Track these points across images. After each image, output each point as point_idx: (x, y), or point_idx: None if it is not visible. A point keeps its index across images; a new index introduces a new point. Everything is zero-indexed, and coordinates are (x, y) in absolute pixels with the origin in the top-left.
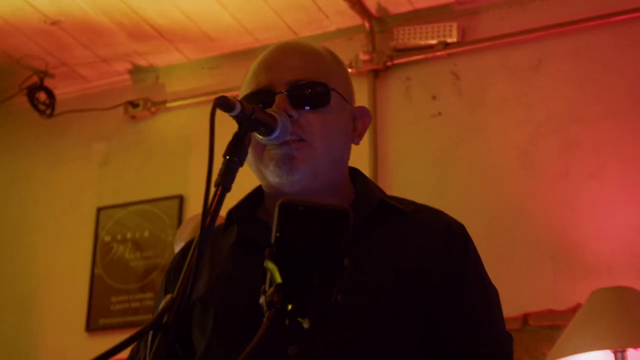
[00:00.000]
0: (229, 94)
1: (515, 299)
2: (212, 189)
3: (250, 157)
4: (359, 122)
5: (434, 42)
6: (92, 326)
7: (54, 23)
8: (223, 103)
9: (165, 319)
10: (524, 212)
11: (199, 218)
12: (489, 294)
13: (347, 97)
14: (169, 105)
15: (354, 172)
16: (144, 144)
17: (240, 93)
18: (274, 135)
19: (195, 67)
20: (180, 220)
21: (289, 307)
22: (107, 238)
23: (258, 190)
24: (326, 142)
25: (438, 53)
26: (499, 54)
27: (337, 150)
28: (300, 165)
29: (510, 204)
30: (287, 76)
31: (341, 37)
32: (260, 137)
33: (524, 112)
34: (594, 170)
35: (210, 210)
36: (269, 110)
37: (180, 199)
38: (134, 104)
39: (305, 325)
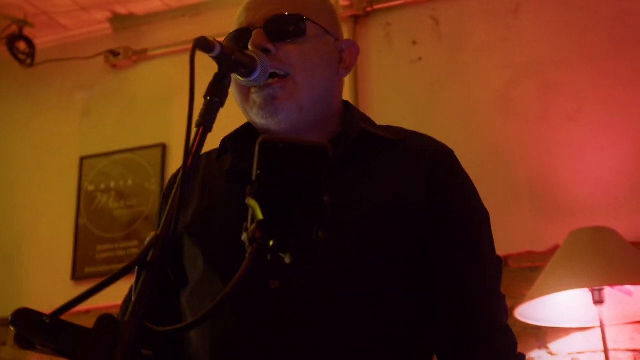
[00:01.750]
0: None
1: (495, 241)
2: (194, 130)
3: (237, 98)
4: (346, 54)
5: None
6: (78, 275)
7: None
8: (202, 44)
9: (150, 257)
10: (503, 155)
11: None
12: (475, 217)
13: (329, 28)
14: (150, 53)
15: (346, 105)
16: (125, 93)
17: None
18: (253, 77)
19: (176, 15)
20: (163, 169)
21: (271, 242)
22: (91, 187)
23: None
24: (307, 74)
25: None
26: None
27: (320, 82)
28: (283, 104)
29: (490, 147)
30: (263, 13)
31: None
32: (240, 78)
33: (503, 57)
34: (572, 113)
35: (192, 150)
36: (248, 52)
37: (163, 148)
38: (114, 53)
39: (287, 260)
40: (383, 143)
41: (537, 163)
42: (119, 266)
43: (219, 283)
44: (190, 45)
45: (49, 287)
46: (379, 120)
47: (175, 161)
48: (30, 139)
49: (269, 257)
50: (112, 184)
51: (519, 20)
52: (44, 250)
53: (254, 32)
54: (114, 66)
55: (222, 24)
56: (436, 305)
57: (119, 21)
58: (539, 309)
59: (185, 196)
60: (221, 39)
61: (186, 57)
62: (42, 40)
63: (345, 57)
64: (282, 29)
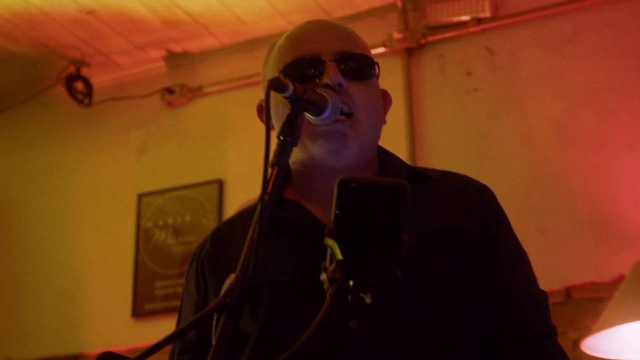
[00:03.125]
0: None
1: (558, 272)
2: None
3: None
4: (387, 101)
5: (466, 18)
6: (138, 312)
7: (89, 12)
8: (276, 84)
9: (228, 299)
10: (563, 185)
11: (249, 205)
12: (522, 253)
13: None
14: (204, 90)
15: (378, 148)
16: (181, 129)
17: (267, 70)
18: (324, 115)
19: (229, 52)
20: (220, 204)
21: (351, 282)
22: (149, 224)
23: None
24: (370, 117)
25: (471, 29)
26: (532, 27)
27: (377, 125)
28: (350, 142)
29: (549, 177)
30: (332, 47)
31: (374, 16)
32: (310, 117)
33: (559, 85)
34: (632, 140)
35: (267, 189)
36: (318, 91)
37: (220, 183)
38: (170, 91)
39: (367, 300)
40: (427, 180)
41: (598, 192)
42: (177, 303)
43: (289, 329)
44: (243, 82)
45: (109, 324)
46: (436, 152)
47: (232, 197)
48: (89, 177)
49: (349, 297)
50: (170, 221)
51: (575, 48)
52: (103, 288)
53: (328, 64)
54: (169, 103)
55: None
56: (494, 330)
57: (173, 59)
58: (606, 342)
59: (262, 237)
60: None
61: (240, 93)
62: (99, 79)
63: (385, 104)
64: (356, 68)
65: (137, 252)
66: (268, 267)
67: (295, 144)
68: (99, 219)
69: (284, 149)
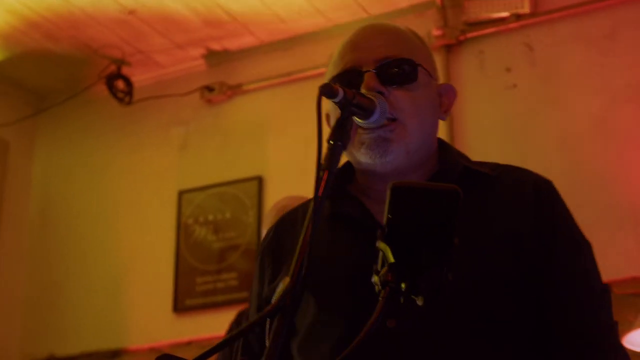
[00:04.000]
0: (302, 75)
1: (599, 267)
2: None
3: None
4: (445, 99)
5: (506, 14)
6: (179, 307)
7: (131, 12)
8: (327, 90)
9: (282, 302)
10: (604, 180)
11: (284, 202)
12: (582, 248)
13: (433, 72)
14: (244, 88)
15: (441, 143)
16: (221, 127)
17: (327, 75)
18: (372, 119)
19: (268, 49)
20: (260, 201)
21: (403, 285)
22: (189, 221)
23: (347, 166)
24: (416, 120)
25: (510, 25)
26: (572, 23)
27: (427, 127)
28: (393, 146)
29: (589, 173)
30: (374, 54)
31: (412, 13)
32: (359, 120)
33: (599, 81)
34: None
35: (319, 193)
36: (367, 94)
37: (259, 180)
38: (209, 88)
39: (419, 302)
40: (484, 178)
41: (638, 187)
42: (218, 298)
43: (337, 327)
44: (282, 79)
45: (150, 319)
46: (476, 149)
47: (272, 193)
48: (130, 174)
49: (402, 299)
50: (210, 217)
51: (615, 44)
52: (145, 283)
53: (366, 75)
54: (209, 101)
55: (313, 58)
56: (549, 336)
57: (213, 57)
58: None
59: (313, 241)
60: (312, 72)
61: (279, 91)
62: (139, 78)
63: (444, 101)
64: (395, 73)
65: (177, 248)
66: (319, 263)
67: (345, 148)
68: (139, 215)
69: (334, 153)
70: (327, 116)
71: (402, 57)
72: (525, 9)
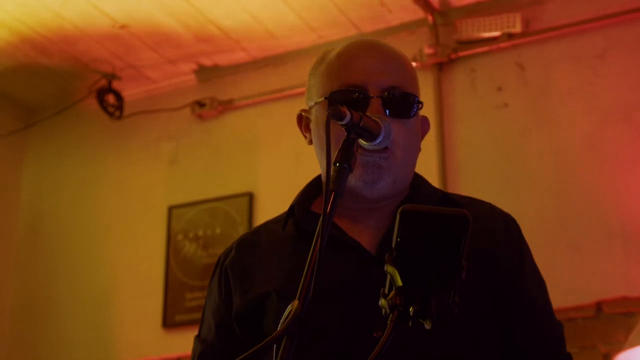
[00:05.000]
0: (293, 92)
1: (589, 287)
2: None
3: (321, 153)
4: (423, 130)
5: (497, 33)
6: (169, 322)
7: (122, 27)
8: (336, 113)
9: (290, 327)
10: (594, 200)
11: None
12: (543, 284)
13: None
14: (235, 103)
15: (414, 174)
16: (212, 142)
17: (318, 84)
18: (377, 141)
19: (259, 65)
20: (250, 217)
21: (411, 309)
22: (179, 236)
23: (315, 182)
24: (406, 152)
25: (502, 44)
26: (563, 43)
27: (413, 159)
28: (385, 175)
29: (580, 192)
30: (381, 82)
31: (404, 31)
32: (363, 142)
33: (590, 101)
34: None
35: (327, 214)
36: (372, 117)
37: (250, 196)
38: (200, 104)
39: (427, 326)
40: (457, 206)
41: (629, 207)
42: None
43: (324, 337)
44: (274, 96)
45: (140, 334)
46: (467, 167)
47: (262, 209)
48: (120, 188)
49: (410, 323)
50: (200, 233)
51: (606, 64)
52: (134, 298)
53: (373, 101)
54: (199, 116)
55: (304, 75)
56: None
57: (204, 73)
58: (639, 357)
59: (321, 261)
60: (303, 89)
61: (270, 107)
62: (130, 92)
63: (423, 131)
64: (399, 106)
65: (167, 263)
66: (298, 279)
67: (351, 170)
68: (129, 230)
69: (341, 175)
70: (301, 117)
71: (407, 91)
72: (517, 28)
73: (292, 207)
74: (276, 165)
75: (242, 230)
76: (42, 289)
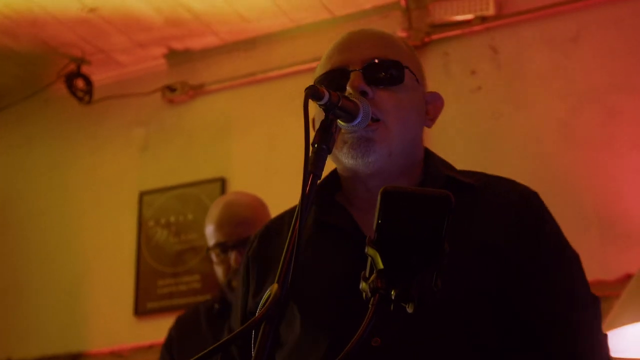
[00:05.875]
0: (265, 76)
1: None
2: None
3: None
4: (431, 107)
5: (470, 16)
6: (140, 310)
7: (92, 10)
8: (314, 93)
9: (268, 311)
10: (568, 183)
11: (228, 197)
12: (565, 262)
13: (420, 79)
14: (206, 88)
15: (426, 152)
16: (183, 127)
17: (314, 77)
18: (355, 122)
19: (231, 49)
20: None
21: (393, 292)
22: (151, 222)
23: (334, 173)
24: (400, 121)
25: (475, 27)
26: (536, 26)
27: (411, 131)
28: (375, 147)
29: (554, 176)
30: (361, 55)
31: (377, 14)
32: (342, 123)
33: (564, 84)
34: (637, 139)
35: (305, 196)
36: (350, 97)
37: (222, 181)
38: (171, 89)
39: (409, 309)
40: (467, 189)
41: (604, 190)
42: (180, 301)
43: (322, 343)
44: (245, 80)
45: (111, 322)
46: (441, 151)
47: None
48: (90, 175)
49: (391, 307)
50: (172, 219)
51: (579, 47)
52: (105, 286)
53: (352, 74)
54: (170, 101)
55: (276, 59)
56: (537, 352)
57: (175, 57)
58: (614, 340)
59: (299, 247)
60: (275, 73)
61: (242, 91)
62: (100, 77)
63: (430, 109)
64: (382, 74)
65: (138, 250)
66: (306, 272)
67: (329, 152)
68: (100, 217)
69: (319, 156)
70: (314, 120)
71: (389, 58)
72: (490, 11)
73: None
74: (248, 150)
75: None
76: (12, 277)
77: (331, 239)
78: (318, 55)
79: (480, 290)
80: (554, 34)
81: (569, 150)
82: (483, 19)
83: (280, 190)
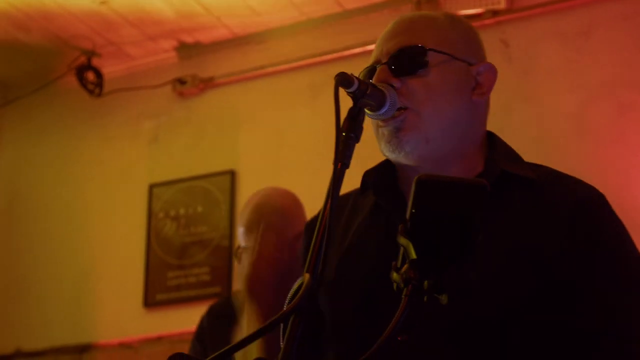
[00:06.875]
0: (275, 69)
1: None
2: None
3: (374, 133)
4: (483, 78)
5: (481, 10)
6: (150, 301)
7: (103, 3)
8: (343, 80)
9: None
10: (579, 177)
11: (257, 200)
12: (629, 266)
13: (460, 54)
14: (216, 81)
15: (490, 139)
16: (193, 120)
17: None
18: (382, 111)
19: (241, 42)
20: (232, 195)
21: (426, 283)
22: (161, 214)
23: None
24: (432, 104)
25: (486, 21)
26: (548, 20)
27: (448, 111)
28: (407, 136)
29: (565, 169)
30: (389, 47)
31: (388, 8)
32: (369, 112)
33: (575, 78)
34: None
35: (333, 186)
36: (378, 86)
37: (232, 174)
38: (181, 81)
39: (443, 301)
40: (525, 184)
41: (615, 185)
42: (190, 293)
43: (353, 328)
44: (255, 73)
45: (120, 314)
46: None
47: (244, 187)
48: (99, 167)
49: (425, 298)
50: (182, 211)
51: (591, 41)
52: (114, 278)
53: (378, 69)
54: (181, 94)
55: (286, 52)
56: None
57: (185, 50)
58: None
59: (331, 236)
60: (285, 66)
61: (252, 84)
62: (110, 69)
63: (481, 82)
64: (404, 63)
65: (148, 242)
66: (351, 255)
67: (358, 140)
68: (109, 209)
69: (347, 145)
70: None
71: (410, 44)
72: (501, 5)
73: (365, 175)
74: (258, 143)
75: (224, 208)
76: (21, 269)
77: (384, 223)
78: (328, 48)
79: (518, 293)
80: (565, 28)
81: (580, 144)
82: (494, 13)
83: (290, 183)
